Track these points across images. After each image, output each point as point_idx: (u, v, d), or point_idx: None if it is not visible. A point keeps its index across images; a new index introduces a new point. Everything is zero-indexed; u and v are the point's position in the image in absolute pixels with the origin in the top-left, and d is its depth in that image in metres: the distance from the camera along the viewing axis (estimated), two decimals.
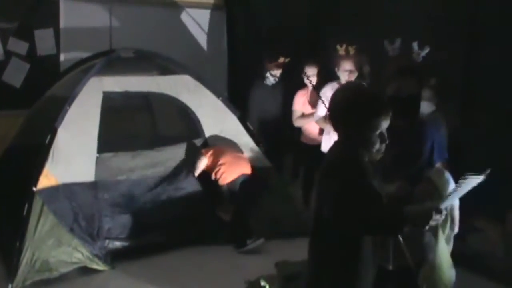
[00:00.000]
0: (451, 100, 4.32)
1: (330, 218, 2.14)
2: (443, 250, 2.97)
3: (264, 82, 5.56)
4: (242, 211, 4.74)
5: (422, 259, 2.90)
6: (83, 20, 5.87)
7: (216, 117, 5.09)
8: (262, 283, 3.73)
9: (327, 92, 4.70)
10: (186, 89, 4.98)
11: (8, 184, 4.42)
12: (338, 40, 4.86)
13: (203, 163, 4.83)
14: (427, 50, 4.12)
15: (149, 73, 4.93)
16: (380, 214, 2.09)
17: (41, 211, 3.98)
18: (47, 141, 4.16)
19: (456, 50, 4.37)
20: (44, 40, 5.73)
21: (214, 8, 6.84)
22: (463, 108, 4.39)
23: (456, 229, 3.09)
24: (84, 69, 4.83)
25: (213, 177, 4.82)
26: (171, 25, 6.44)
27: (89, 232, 4.17)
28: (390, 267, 2.79)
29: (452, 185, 2.87)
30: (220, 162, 4.79)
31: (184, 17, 6.65)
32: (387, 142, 2.20)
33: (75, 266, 4.05)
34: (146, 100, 5.31)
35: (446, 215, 2.87)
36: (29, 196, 3.99)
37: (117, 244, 4.32)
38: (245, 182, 4.80)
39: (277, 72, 5.48)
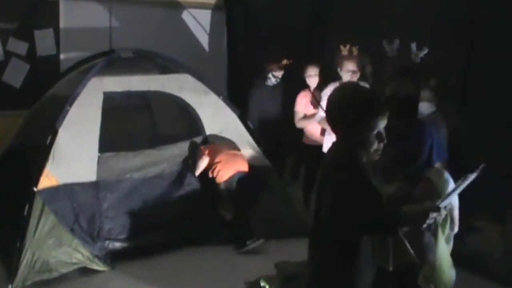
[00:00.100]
0: (451, 100, 4.33)
1: (329, 218, 2.15)
2: (443, 250, 2.97)
3: (265, 82, 5.56)
4: (242, 210, 4.74)
5: (422, 259, 2.90)
6: (83, 20, 5.87)
7: (216, 116, 5.09)
8: (262, 284, 3.73)
9: (329, 92, 4.69)
10: (187, 88, 4.97)
11: (9, 184, 4.42)
12: (338, 40, 4.86)
13: (204, 162, 4.77)
14: (425, 50, 4.12)
15: (149, 73, 4.93)
16: (379, 213, 2.10)
17: (42, 211, 3.98)
18: (48, 142, 4.16)
19: (455, 51, 4.37)
20: (44, 40, 5.73)
21: (214, 8, 6.84)
22: (463, 108, 4.39)
23: (456, 229, 3.09)
24: (84, 69, 4.83)
25: (210, 175, 4.81)
26: (171, 25, 6.44)
27: (89, 233, 4.17)
28: (390, 268, 2.79)
29: (451, 185, 2.88)
30: (216, 160, 4.77)
31: (184, 17, 6.65)
32: (385, 141, 2.20)
33: (75, 266, 4.06)
34: (147, 99, 5.31)
35: (446, 215, 2.89)
36: (30, 196, 3.99)
37: (117, 244, 4.33)
38: (242, 179, 4.78)
39: (279, 73, 5.49)
